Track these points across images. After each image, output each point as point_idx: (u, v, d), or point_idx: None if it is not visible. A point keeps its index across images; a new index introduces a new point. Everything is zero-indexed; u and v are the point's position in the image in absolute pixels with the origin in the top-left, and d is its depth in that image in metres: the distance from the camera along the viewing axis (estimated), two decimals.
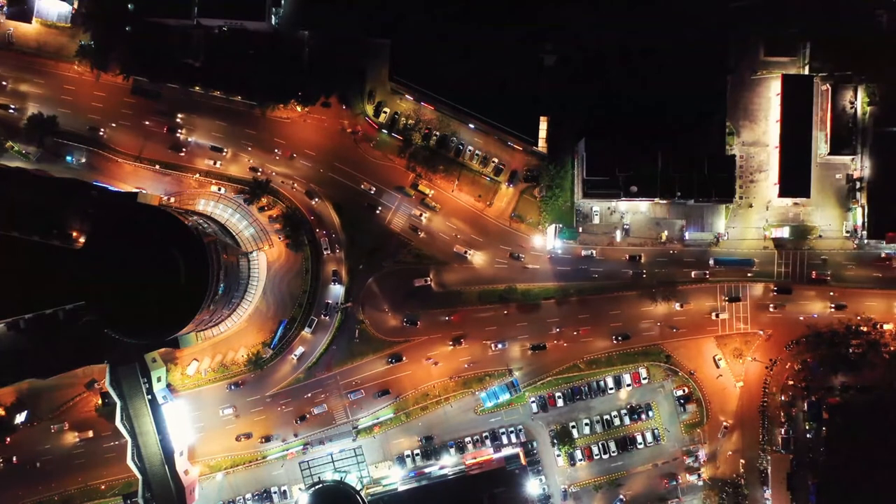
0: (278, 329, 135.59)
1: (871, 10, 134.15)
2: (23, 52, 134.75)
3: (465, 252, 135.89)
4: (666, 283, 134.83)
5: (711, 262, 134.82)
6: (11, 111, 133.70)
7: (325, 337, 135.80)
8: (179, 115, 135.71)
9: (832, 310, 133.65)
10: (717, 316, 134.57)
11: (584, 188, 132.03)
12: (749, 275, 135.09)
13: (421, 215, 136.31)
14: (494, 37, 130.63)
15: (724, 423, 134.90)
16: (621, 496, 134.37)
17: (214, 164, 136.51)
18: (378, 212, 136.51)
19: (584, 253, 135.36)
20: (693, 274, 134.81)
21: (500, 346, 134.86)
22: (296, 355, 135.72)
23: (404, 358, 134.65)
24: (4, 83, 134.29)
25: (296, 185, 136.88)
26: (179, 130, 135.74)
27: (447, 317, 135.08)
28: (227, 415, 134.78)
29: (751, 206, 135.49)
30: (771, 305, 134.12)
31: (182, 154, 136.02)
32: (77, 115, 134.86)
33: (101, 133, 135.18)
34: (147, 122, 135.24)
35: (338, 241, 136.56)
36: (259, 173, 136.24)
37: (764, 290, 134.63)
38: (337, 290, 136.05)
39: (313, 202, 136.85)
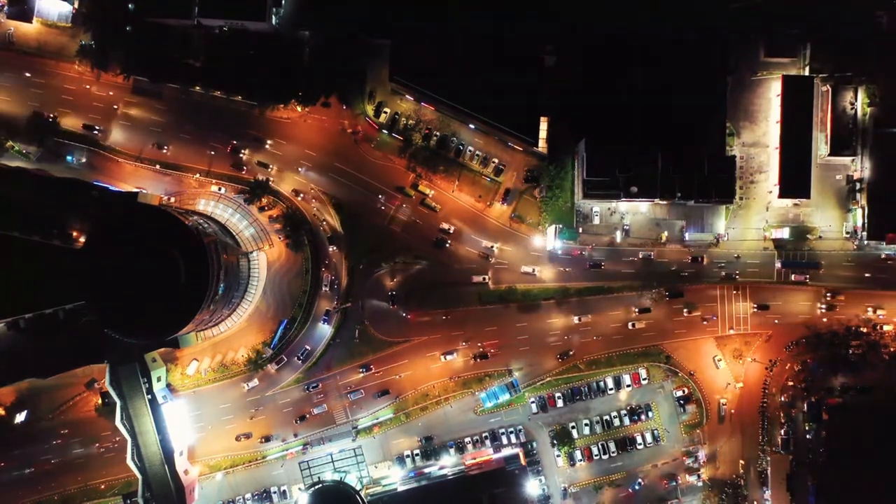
0: (278, 329, 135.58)
1: (871, 10, 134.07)
2: (23, 52, 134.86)
3: (533, 270, 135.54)
4: (667, 283, 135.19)
5: (778, 265, 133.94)
6: (96, 132, 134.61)
7: (288, 377, 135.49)
8: (269, 142, 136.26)
9: (755, 309, 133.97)
10: (632, 326, 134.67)
11: (585, 189, 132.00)
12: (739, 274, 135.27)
13: (492, 246, 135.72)
14: (495, 37, 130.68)
15: (721, 401, 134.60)
16: (640, 480, 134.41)
17: (265, 180, 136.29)
18: (448, 245, 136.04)
19: (641, 255, 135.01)
20: (793, 277, 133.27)
21: (449, 356, 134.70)
22: (247, 386, 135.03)
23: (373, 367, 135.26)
24: (115, 106, 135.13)
25: (325, 222, 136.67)
26: (243, 151, 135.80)
27: (405, 313, 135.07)
28: None
29: (770, 192, 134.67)
30: (684, 310, 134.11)
31: (243, 172, 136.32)
32: (140, 131, 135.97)
33: (164, 150, 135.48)
34: (234, 142, 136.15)
35: (338, 293, 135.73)
36: (301, 198, 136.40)
37: (657, 295, 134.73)
38: (324, 332, 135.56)
39: (331, 248, 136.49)
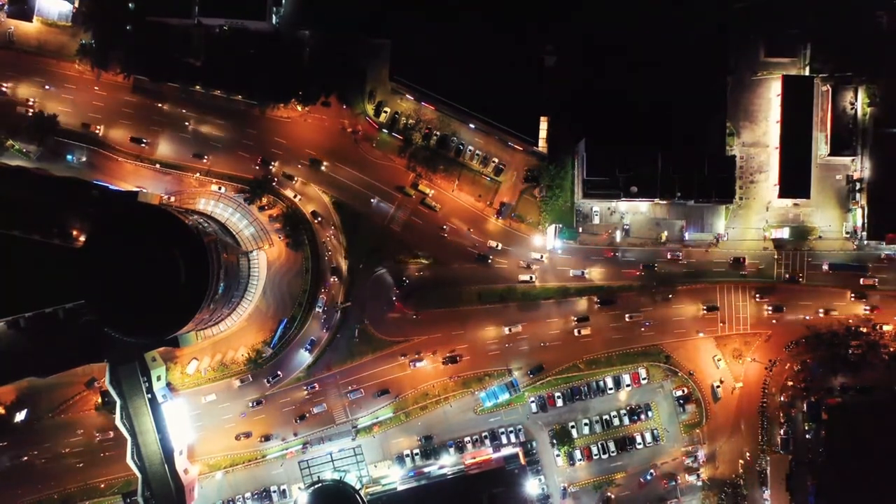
0: (278, 328, 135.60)
1: (871, 10, 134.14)
2: (23, 52, 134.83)
3: (583, 272, 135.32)
4: (666, 282, 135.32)
5: (825, 266, 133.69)
6: (143, 144, 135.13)
7: (251, 395, 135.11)
8: (325, 164, 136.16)
9: (704, 311, 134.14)
10: (578, 332, 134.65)
11: (584, 188, 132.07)
12: (740, 275, 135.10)
13: (541, 256, 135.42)
14: (495, 37, 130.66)
15: (715, 384, 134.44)
16: (652, 470, 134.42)
17: (295, 197, 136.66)
18: (489, 261, 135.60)
19: (669, 256, 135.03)
20: (862, 281, 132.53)
21: (418, 363, 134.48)
22: (207, 399, 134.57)
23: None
24: (187, 123, 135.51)
25: (331, 253, 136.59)
26: (272, 163, 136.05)
27: (394, 298, 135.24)
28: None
29: (776, 190, 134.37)
30: (626, 316, 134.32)
31: (274, 182, 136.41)
32: (179, 141, 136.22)
33: (204, 160, 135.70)
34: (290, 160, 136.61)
35: (329, 321, 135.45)
36: (318, 221, 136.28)
37: (588, 302, 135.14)
38: (303, 359, 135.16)
39: (332, 279, 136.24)
